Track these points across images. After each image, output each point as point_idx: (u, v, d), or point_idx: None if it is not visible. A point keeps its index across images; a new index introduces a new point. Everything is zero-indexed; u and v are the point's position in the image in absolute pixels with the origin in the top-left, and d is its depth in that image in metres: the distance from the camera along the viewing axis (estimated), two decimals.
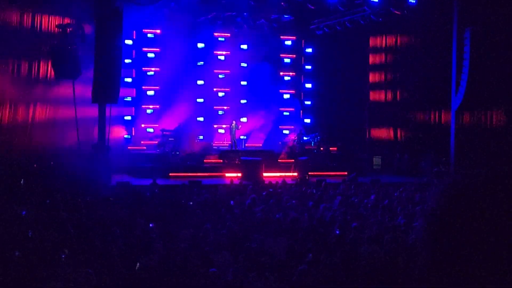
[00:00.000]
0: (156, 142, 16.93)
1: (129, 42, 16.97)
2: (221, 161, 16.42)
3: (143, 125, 18.35)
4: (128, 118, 17.88)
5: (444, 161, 15.72)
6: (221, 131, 18.82)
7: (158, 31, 17.88)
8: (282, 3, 15.30)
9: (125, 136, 17.72)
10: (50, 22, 15.83)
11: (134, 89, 17.79)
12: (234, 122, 17.17)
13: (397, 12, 15.05)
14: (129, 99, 17.70)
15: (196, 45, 18.24)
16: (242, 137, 18.17)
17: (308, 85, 19.71)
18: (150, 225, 8.10)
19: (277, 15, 16.72)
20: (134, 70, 17.69)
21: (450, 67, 14.94)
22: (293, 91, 19.69)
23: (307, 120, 19.65)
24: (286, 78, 19.45)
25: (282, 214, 8.77)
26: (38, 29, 15.47)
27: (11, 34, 14.79)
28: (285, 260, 6.12)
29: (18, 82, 15.13)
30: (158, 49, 17.87)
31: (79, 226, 7.70)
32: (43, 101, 15.55)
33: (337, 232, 7.62)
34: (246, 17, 16.50)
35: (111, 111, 14.21)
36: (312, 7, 14.82)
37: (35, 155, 15.02)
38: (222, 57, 18.80)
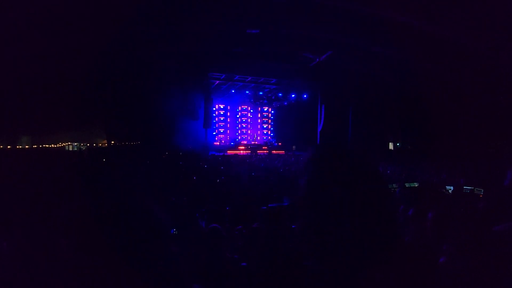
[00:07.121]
0: (222, 141, 28.92)
1: (214, 108, 26.50)
2: (244, 147, 26.79)
3: (220, 136, 29.15)
4: (214, 133, 27.56)
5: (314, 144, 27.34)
6: (244, 137, 30.51)
7: (223, 105, 29.05)
8: (264, 97, 28.05)
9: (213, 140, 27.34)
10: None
11: (215, 124, 27.68)
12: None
13: (298, 100, 27.30)
14: (214, 127, 27.05)
15: (237, 109, 29.99)
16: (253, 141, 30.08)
17: (271, 123, 32.59)
18: (221, 167, 12.53)
19: (260, 100, 28.58)
20: (214, 117, 27.15)
21: (317, 116, 25.36)
22: (268, 125, 32.44)
23: (271, 134, 32.58)
24: (265, 120, 32.48)
25: (263, 164, 14.21)
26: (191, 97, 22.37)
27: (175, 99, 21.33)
28: (264, 176, 9.40)
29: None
30: (223, 111, 29.15)
31: (200, 167, 12.46)
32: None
33: (281, 170, 11.76)
34: (252, 102, 28.71)
35: (208, 131, 23.11)
36: (273, 97, 28.60)
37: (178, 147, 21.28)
38: (245, 113, 31.03)
